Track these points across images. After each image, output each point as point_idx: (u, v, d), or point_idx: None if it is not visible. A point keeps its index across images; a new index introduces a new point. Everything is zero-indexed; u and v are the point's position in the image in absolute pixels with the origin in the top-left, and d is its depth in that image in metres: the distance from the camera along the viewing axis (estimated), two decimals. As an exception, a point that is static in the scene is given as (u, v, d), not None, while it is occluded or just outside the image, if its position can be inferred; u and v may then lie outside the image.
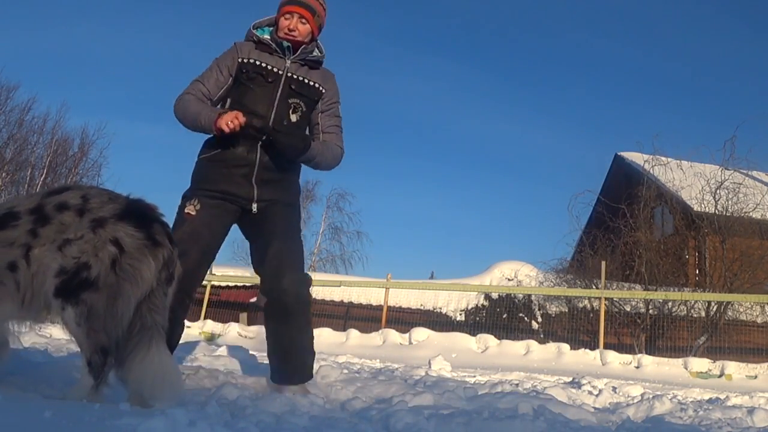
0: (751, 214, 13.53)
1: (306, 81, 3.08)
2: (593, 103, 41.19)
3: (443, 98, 43.28)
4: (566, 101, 41.07)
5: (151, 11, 40.53)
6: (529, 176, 42.39)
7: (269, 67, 3.03)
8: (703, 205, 14.08)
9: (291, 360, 2.99)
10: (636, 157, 17.17)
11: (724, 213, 13.57)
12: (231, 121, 2.82)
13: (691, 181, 14.82)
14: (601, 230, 13.90)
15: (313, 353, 3.09)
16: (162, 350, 2.15)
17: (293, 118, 3.04)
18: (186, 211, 2.94)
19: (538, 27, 43.60)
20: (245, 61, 3.03)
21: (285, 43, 3.04)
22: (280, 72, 3.04)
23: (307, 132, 3.14)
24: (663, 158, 15.02)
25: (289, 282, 2.90)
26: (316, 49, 3.14)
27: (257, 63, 3.03)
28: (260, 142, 2.97)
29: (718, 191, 13.75)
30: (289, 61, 3.06)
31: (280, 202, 3.02)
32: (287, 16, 3.04)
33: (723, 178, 13.86)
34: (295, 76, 3.06)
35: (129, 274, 2.11)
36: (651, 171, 14.98)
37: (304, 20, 3.03)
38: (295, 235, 3.06)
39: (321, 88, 3.11)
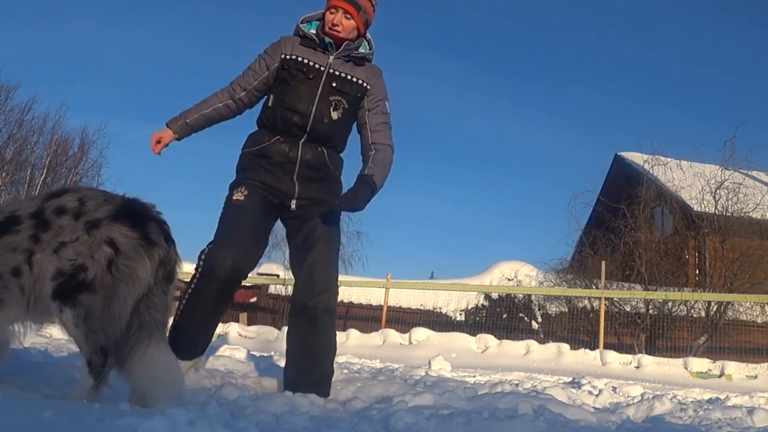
0: (751, 214, 13.53)
1: (349, 77, 3.05)
2: (593, 103, 41.14)
3: (442, 97, 43.28)
4: (566, 101, 41.00)
5: (152, 11, 40.54)
6: (529, 176, 42.33)
7: (311, 63, 3.02)
8: (703, 205, 14.08)
9: (315, 372, 2.96)
10: (636, 157, 17.17)
11: (724, 213, 13.57)
12: (153, 144, 3.02)
13: (691, 181, 14.81)
14: (601, 230, 13.89)
15: (333, 369, 3.07)
16: (162, 347, 2.15)
17: (334, 115, 3.02)
18: (234, 197, 2.98)
19: (537, 26, 43.61)
20: (288, 57, 3.04)
21: (327, 39, 3.03)
22: (322, 68, 3.02)
23: (343, 129, 3.11)
24: (663, 158, 15.02)
25: (320, 295, 2.92)
26: (365, 44, 3.12)
27: (299, 59, 3.03)
28: (301, 140, 2.99)
29: (718, 191, 13.74)
30: (332, 58, 3.04)
31: (321, 203, 3.01)
32: (332, 10, 3.02)
33: (723, 178, 13.85)
34: (337, 73, 3.03)
35: (125, 274, 2.11)
36: (651, 171, 14.97)
37: (348, 15, 3.00)
38: (333, 242, 3.04)
39: (365, 85, 3.07)
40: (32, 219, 2.17)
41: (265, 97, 3.11)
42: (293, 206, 2.98)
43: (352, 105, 3.06)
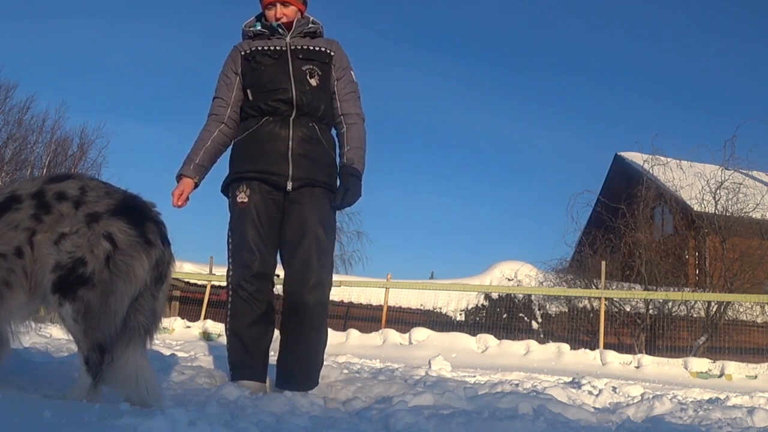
0: (751, 214, 13.53)
1: (311, 48, 3.12)
2: (593, 103, 41.17)
3: (442, 97, 43.30)
4: (566, 100, 41.03)
5: (151, 10, 40.53)
6: (529, 176, 42.31)
7: (272, 47, 3.09)
8: (703, 205, 14.07)
9: (304, 367, 2.97)
10: (636, 157, 17.18)
11: (724, 213, 13.57)
12: (176, 198, 3.01)
13: (691, 181, 14.81)
14: (600, 230, 13.89)
15: (323, 361, 3.09)
16: (138, 353, 2.14)
17: (313, 82, 3.07)
18: (238, 200, 2.99)
19: (537, 25, 43.60)
20: (248, 51, 3.11)
21: (275, 24, 3.09)
22: (284, 48, 3.09)
23: (327, 97, 3.13)
24: (663, 158, 15.02)
25: (314, 289, 2.92)
26: (311, 23, 3.18)
27: (259, 48, 3.10)
28: (291, 117, 3.01)
29: (718, 191, 13.74)
30: (288, 38, 3.11)
31: (316, 183, 3.00)
32: (269, 7, 3.11)
33: (723, 178, 13.85)
34: (299, 47, 3.11)
35: (122, 270, 2.10)
36: (651, 171, 14.97)
37: (286, 4, 3.09)
38: (327, 227, 3.04)
39: (329, 51, 3.14)
40: (33, 199, 2.15)
41: (243, 95, 3.13)
42: (289, 187, 2.97)
43: (324, 71, 3.11)
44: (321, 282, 2.94)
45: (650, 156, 15.04)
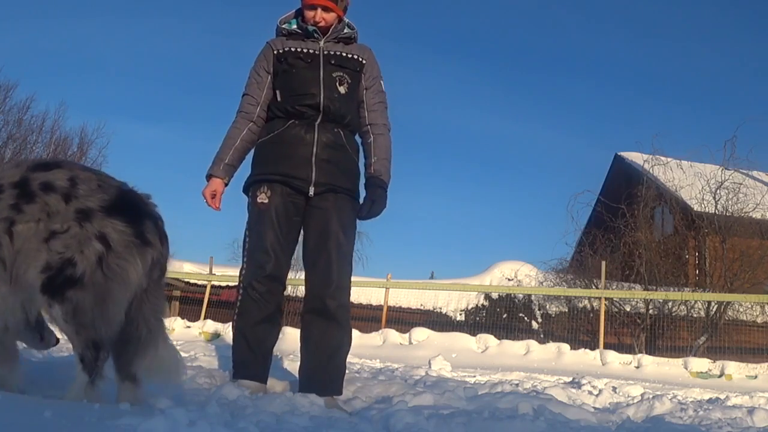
0: (751, 214, 13.52)
1: (344, 54, 3.11)
2: (593, 103, 41.11)
3: (442, 97, 43.28)
4: (566, 100, 40.96)
5: (151, 10, 40.51)
6: (529, 176, 42.22)
7: (306, 50, 3.08)
8: (703, 205, 14.07)
9: (327, 370, 2.96)
10: (636, 157, 17.17)
11: (724, 213, 13.57)
12: (210, 199, 3.05)
13: (691, 181, 14.80)
14: (600, 230, 13.89)
15: (345, 367, 3.08)
16: (169, 342, 2.27)
17: (341, 90, 3.07)
18: (258, 200, 2.99)
19: (537, 25, 43.59)
20: (281, 51, 3.10)
21: (310, 28, 3.08)
22: (317, 52, 3.09)
23: (354, 105, 3.14)
24: (663, 158, 14.99)
25: (337, 291, 2.94)
26: (347, 28, 3.18)
27: (293, 50, 3.09)
28: (317, 122, 3.01)
29: (718, 191, 13.74)
30: (322, 42, 3.11)
31: (338, 189, 3.01)
32: (310, 8, 3.08)
33: (723, 178, 13.85)
34: (332, 52, 3.10)
35: (116, 273, 2.05)
36: (651, 171, 14.96)
37: (327, 9, 3.08)
38: (348, 232, 3.04)
39: (361, 59, 3.14)
40: (14, 188, 2.06)
41: (273, 94, 3.12)
42: (311, 192, 2.97)
43: (354, 79, 3.11)
44: (342, 286, 2.97)
45: (650, 156, 15.03)
